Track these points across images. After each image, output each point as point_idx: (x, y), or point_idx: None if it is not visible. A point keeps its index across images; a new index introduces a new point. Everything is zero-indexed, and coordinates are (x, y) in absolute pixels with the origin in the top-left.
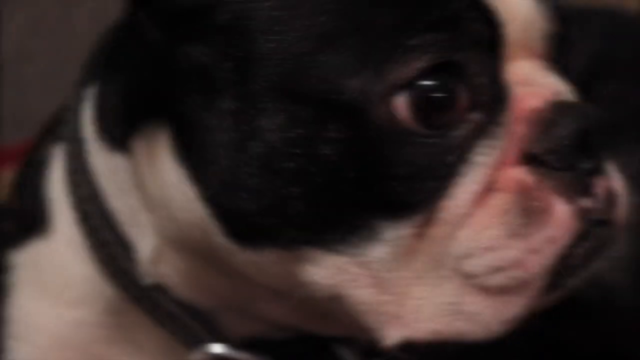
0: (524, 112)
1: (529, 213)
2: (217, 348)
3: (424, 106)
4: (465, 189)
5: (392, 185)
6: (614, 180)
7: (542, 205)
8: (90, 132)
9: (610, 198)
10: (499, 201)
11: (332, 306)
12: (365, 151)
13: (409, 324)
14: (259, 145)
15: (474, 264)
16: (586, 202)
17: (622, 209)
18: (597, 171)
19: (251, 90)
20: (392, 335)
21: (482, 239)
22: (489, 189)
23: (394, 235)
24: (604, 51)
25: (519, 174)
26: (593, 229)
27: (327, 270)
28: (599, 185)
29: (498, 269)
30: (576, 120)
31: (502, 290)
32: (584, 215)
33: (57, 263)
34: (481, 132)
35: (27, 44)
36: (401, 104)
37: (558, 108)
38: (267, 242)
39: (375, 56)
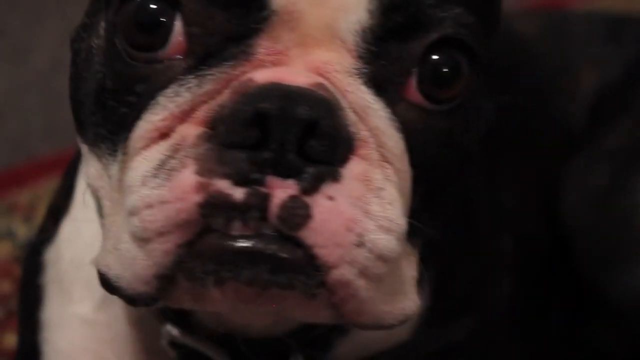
0: (242, 79)
1: (163, 166)
2: (173, 331)
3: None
4: (144, 126)
5: (109, 104)
6: (313, 198)
7: (176, 165)
8: None
9: (284, 211)
10: (160, 148)
11: None
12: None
13: (102, 252)
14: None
15: (132, 199)
16: (228, 187)
17: (279, 224)
18: (288, 173)
19: None
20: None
21: (136, 175)
22: (164, 134)
23: (119, 157)
24: None
25: (188, 130)
26: (230, 223)
27: (93, 171)
28: (274, 188)
29: (146, 207)
30: (273, 105)
31: (143, 234)
32: (215, 198)
33: (78, 256)
34: (179, 77)
35: (59, 54)
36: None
37: (272, 89)
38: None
39: None
